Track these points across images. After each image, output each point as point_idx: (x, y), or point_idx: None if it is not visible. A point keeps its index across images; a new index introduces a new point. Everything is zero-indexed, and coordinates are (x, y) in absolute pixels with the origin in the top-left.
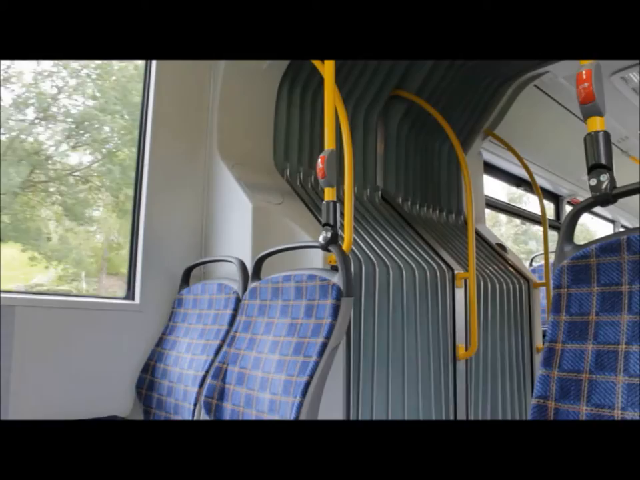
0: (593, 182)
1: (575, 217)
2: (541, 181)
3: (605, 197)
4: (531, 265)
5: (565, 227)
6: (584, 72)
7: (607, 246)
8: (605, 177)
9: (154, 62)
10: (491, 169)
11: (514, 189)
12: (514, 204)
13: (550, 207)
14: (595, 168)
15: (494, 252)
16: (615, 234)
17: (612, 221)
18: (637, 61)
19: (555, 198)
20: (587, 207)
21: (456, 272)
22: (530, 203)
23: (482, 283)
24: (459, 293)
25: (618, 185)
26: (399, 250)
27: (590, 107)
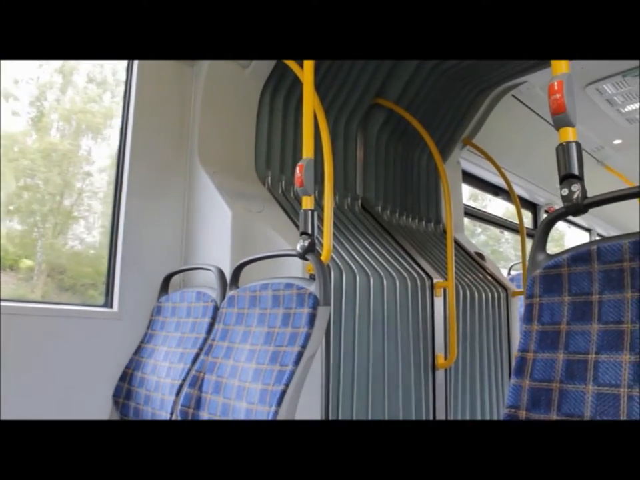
0: (565, 192)
1: (547, 226)
2: (518, 190)
3: (576, 207)
4: (509, 273)
5: (538, 237)
6: (555, 83)
7: (578, 256)
8: (576, 187)
9: (135, 67)
10: (469, 178)
11: (474, 189)
12: (474, 203)
13: (526, 215)
14: (566, 178)
15: (472, 261)
16: (586, 244)
17: (588, 230)
18: (611, 73)
19: (533, 207)
20: (558, 216)
21: (435, 281)
22: (492, 201)
23: (461, 292)
24: (438, 302)
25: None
26: (379, 259)
27: (561, 118)
